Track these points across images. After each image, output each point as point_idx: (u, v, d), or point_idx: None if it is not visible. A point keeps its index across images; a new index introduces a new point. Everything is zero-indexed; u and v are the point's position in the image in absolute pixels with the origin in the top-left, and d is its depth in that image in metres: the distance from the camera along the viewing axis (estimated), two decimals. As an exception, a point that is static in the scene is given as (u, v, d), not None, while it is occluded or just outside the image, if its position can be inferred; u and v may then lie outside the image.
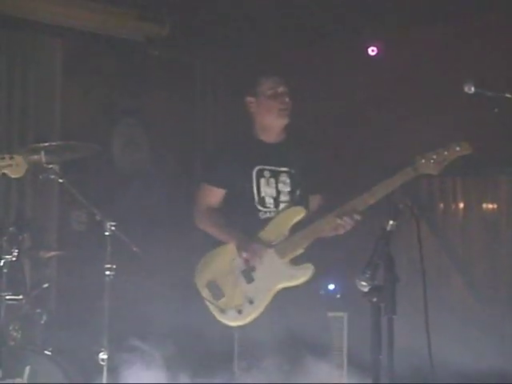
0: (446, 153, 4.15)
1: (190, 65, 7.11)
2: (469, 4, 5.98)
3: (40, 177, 4.45)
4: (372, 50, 6.64)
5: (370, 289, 3.05)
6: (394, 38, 6.48)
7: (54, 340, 4.77)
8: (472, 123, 6.06)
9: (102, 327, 4.51)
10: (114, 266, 4.56)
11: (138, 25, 6.67)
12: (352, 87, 6.52)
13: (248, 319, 4.27)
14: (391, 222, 3.17)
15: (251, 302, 4.26)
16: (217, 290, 4.34)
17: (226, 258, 4.38)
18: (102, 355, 4.49)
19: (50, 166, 4.51)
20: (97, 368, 4.49)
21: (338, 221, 4.23)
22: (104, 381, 4.46)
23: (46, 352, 4.61)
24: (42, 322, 4.74)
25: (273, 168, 4.45)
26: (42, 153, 4.45)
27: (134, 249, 4.67)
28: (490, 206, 6.37)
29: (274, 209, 4.43)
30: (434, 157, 4.13)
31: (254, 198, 4.41)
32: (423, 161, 4.14)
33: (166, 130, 6.95)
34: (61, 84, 6.42)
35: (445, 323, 5.58)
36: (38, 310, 4.74)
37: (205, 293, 4.35)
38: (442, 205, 6.57)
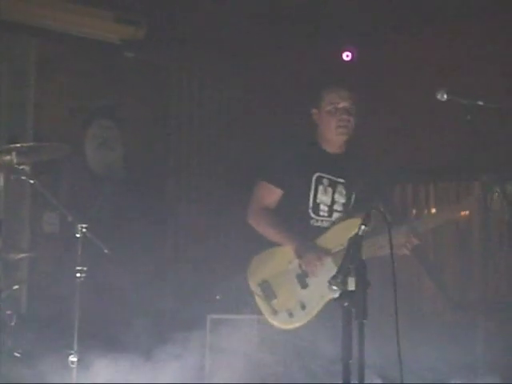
0: None
1: (165, 67, 7.08)
2: (442, 12, 6.03)
3: (11, 177, 4.42)
4: (347, 56, 6.67)
5: (341, 293, 3.06)
6: (369, 44, 6.51)
7: (24, 342, 4.73)
8: (444, 130, 6.11)
9: (73, 329, 4.50)
10: (85, 268, 4.55)
11: (113, 27, 6.63)
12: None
13: (298, 324, 4.22)
14: (363, 227, 3.17)
15: (303, 308, 4.22)
16: (269, 291, 4.28)
17: (282, 260, 4.31)
18: (72, 357, 4.48)
19: (22, 166, 4.48)
20: (67, 370, 4.47)
21: (404, 240, 4.21)
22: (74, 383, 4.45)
23: (16, 354, 4.58)
24: (12, 323, 4.70)
25: (331, 177, 4.39)
26: (14, 154, 4.42)
27: (105, 251, 4.67)
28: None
29: (327, 218, 4.39)
30: None
31: (308, 204, 4.35)
32: None
33: (140, 133, 6.93)
34: (34, 84, 6.38)
35: (416, 327, 5.61)
36: (8, 312, 4.70)
37: (257, 292, 4.28)
38: (414, 211, 6.60)
